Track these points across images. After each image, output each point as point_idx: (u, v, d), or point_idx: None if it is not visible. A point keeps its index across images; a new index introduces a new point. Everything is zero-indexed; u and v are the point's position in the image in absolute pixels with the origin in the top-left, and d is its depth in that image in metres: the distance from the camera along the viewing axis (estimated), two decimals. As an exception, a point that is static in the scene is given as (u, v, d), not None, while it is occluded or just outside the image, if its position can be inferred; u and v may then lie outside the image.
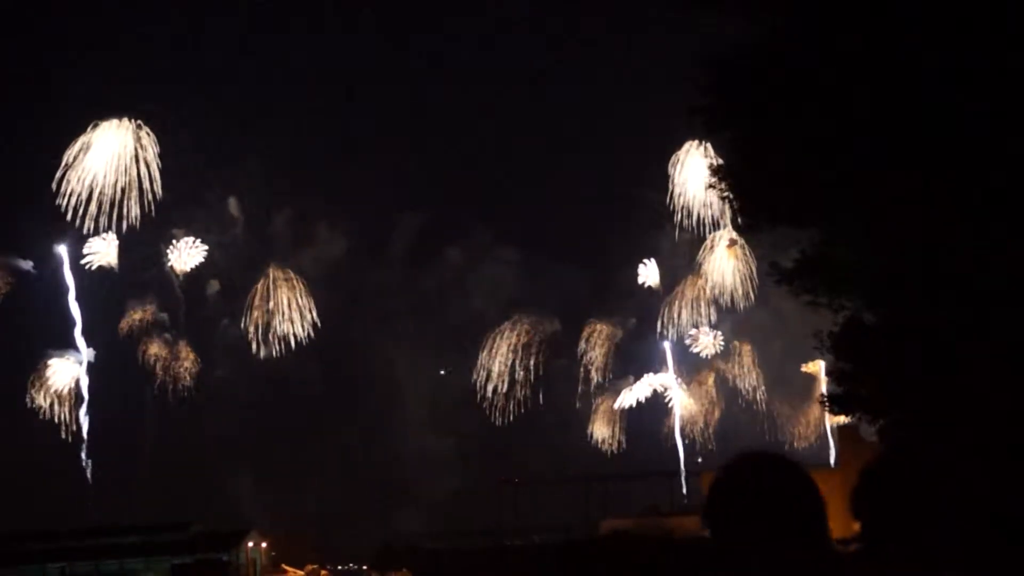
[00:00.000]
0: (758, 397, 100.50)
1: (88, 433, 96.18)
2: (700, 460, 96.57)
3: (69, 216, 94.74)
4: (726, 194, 24.85)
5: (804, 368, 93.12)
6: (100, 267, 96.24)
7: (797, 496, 3.83)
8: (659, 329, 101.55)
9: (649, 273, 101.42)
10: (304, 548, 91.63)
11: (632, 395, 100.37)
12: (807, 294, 26.40)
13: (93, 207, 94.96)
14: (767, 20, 20.35)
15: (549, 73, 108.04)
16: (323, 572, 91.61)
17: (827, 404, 32.41)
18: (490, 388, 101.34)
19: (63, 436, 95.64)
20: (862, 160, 18.72)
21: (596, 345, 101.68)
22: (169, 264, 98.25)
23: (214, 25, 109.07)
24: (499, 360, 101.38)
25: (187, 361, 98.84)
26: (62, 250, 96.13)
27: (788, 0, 19.87)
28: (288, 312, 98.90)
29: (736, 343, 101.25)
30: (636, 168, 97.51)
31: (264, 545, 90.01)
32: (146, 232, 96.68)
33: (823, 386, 29.54)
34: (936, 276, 19.64)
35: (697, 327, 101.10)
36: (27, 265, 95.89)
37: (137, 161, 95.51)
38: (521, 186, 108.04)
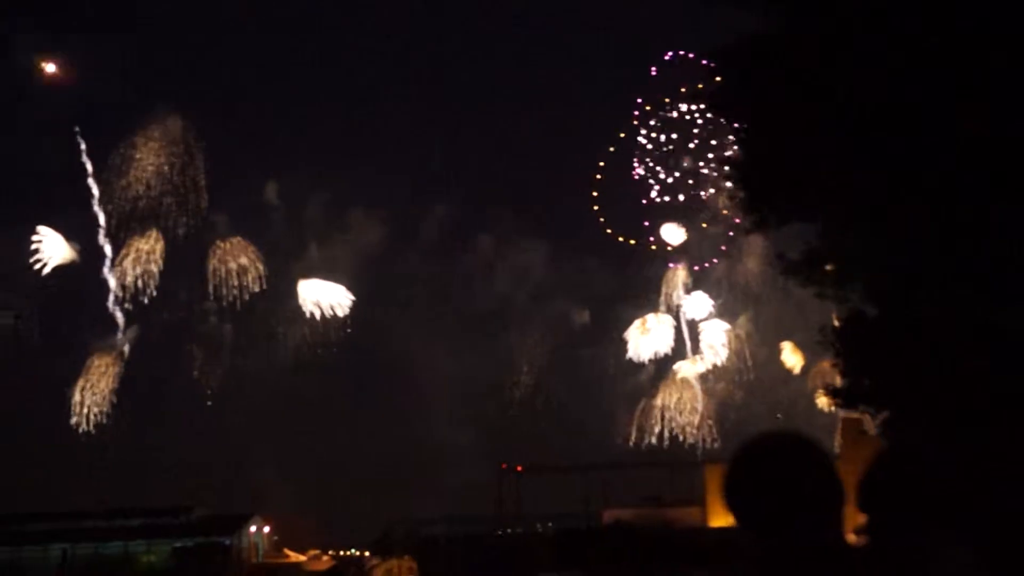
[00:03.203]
0: (775, 389, 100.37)
1: (112, 419, 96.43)
2: (716, 447, 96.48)
3: (114, 219, 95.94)
4: (736, 193, 24.84)
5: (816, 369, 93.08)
6: (143, 263, 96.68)
7: (816, 477, 3.77)
8: (681, 321, 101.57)
9: (676, 278, 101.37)
10: (307, 533, 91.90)
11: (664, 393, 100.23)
12: (813, 286, 26.43)
13: (138, 211, 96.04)
14: (775, 11, 20.30)
15: (583, 64, 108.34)
16: (325, 557, 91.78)
17: (830, 397, 32.38)
18: (514, 378, 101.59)
19: (87, 428, 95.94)
20: (868, 152, 18.67)
21: (617, 338, 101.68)
22: (212, 259, 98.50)
23: (247, 12, 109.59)
24: (524, 351, 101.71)
25: (219, 367, 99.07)
26: (106, 249, 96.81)
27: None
28: (323, 331, 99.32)
29: (756, 335, 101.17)
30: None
31: (267, 529, 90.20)
32: (190, 228, 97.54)
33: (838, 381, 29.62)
34: (939, 269, 19.58)
35: (718, 319, 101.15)
36: (74, 249, 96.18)
37: (184, 166, 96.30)
38: (552, 177, 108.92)
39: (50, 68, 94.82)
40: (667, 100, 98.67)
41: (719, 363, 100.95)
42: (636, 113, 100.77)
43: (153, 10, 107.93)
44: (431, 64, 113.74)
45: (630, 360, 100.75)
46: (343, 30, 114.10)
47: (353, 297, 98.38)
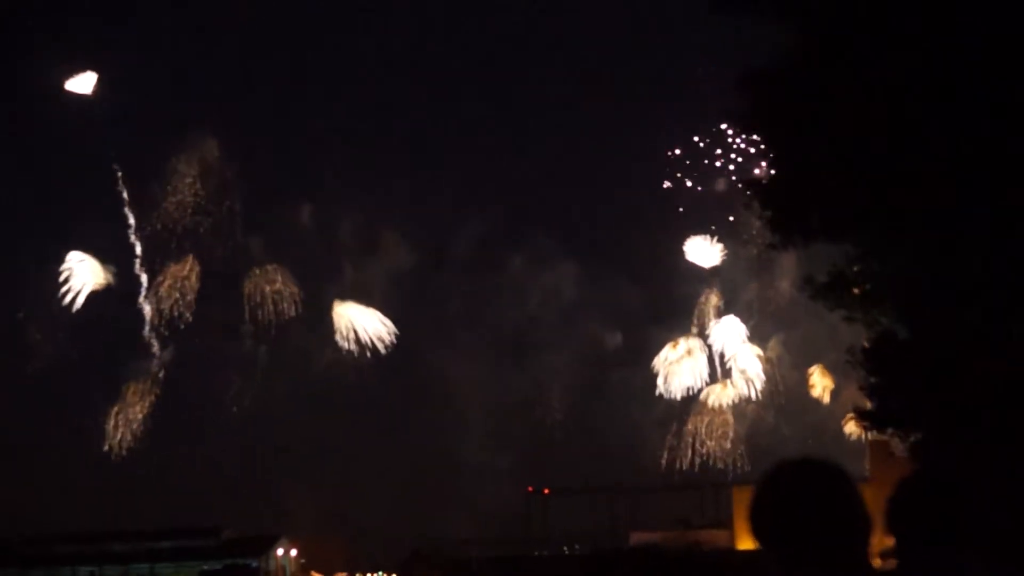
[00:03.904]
0: (806, 411, 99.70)
1: (144, 443, 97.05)
2: (747, 470, 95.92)
3: (150, 245, 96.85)
4: (762, 211, 24.77)
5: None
6: (179, 288, 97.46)
7: (841, 505, 3.75)
8: (713, 344, 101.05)
9: (708, 304, 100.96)
10: (334, 554, 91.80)
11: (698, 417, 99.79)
12: (842, 309, 26.34)
13: (175, 236, 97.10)
14: (800, 27, 20.29)
15: (617, 84, 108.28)
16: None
17: (859, 419, 32.21)
18: (544, 399, 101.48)
19: (118, 451, 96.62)
20: (895, 172, 18.61)
21: (648, 359, 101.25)
22: (247, 284, 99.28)
23: (279, 29, 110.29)
24: (555, 371, 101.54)
25: (252, 390, 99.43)
26: (142, 278, 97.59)
27: (822, 9, 19.79)
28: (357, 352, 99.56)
29: (787, 358, 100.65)
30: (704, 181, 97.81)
31: (294, 552, 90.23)
32: (227, 252, 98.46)
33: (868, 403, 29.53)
34: (969, 290, 19.47)
35: (749, 343, 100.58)
36: (109, 273, 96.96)
37: (219, 190, 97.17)
38: (585, 197, 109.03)
39: (80, 90, 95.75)
40: (701, 117, 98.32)
41: (753, 396, 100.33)
42: (667, 137, 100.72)
43: (183, 32, 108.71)
44: (462, 83, 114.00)
45: (661, 392, 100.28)
46: (374, 47, 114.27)
47: (396, 331, 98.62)
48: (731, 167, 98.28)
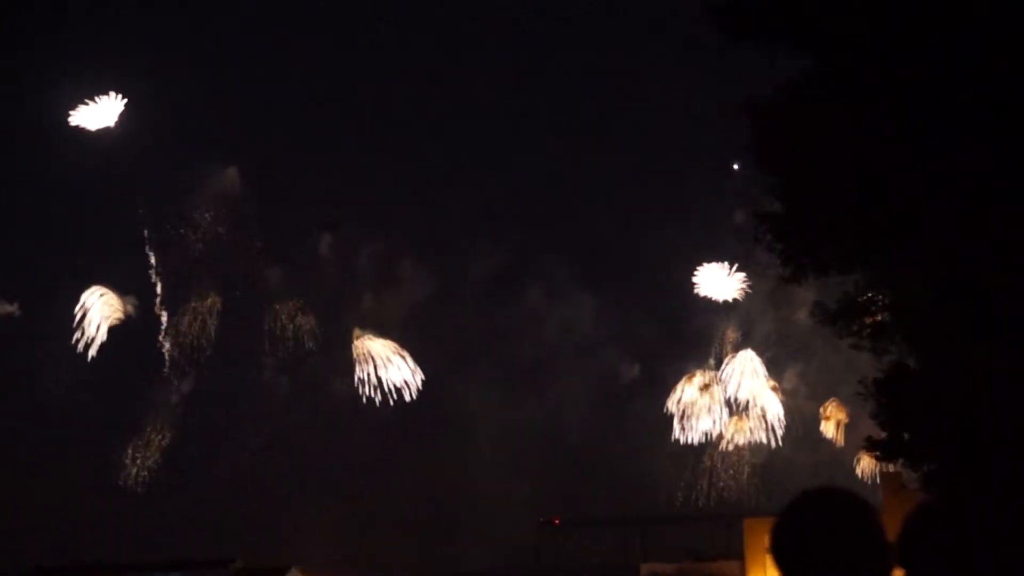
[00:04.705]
0: (820, 442, 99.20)
1: (161, 475, 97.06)
2: (762, 502, 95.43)
3: (171, 280, 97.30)
4: (774, 244, 24.76)
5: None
6: (199, 323, 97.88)
7: (864, 536, 3.74)
8: (729, 383, 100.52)
9: (725, 339, 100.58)
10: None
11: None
12: (851, 336, 26.30)
13: (195, 270, 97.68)
14: (809, 56, 20.36)
15: (637, 116, 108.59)
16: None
17: (871, 450, 32.09)
18: (560, 429, 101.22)
19: (134, 484, 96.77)
20: (905, 203, 18.61)
21: (667, 390, 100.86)
22: (267, 318, 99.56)
23: (299, 60, 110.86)
24: (571, 403, 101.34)
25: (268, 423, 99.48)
26: (162, 317, 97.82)
27: (829, 37, 19.85)
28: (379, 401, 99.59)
29: (803, 389, 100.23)
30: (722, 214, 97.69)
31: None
32: (247, 282, 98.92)
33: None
34: (979, 320, 19.43)
35: (765, 377, 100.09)
36: (130, 305, 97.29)
37: (239, 222, 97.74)
38: (603, 229, 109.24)
39: (104, 121, 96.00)
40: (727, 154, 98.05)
41: (773, 443, 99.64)
42: (686, 167, 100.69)
43: (201, 64, 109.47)
44: (482, 113, 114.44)
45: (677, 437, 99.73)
46: (394, 78, 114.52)
47: (423, 376, 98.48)
48: (747, 198, 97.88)
